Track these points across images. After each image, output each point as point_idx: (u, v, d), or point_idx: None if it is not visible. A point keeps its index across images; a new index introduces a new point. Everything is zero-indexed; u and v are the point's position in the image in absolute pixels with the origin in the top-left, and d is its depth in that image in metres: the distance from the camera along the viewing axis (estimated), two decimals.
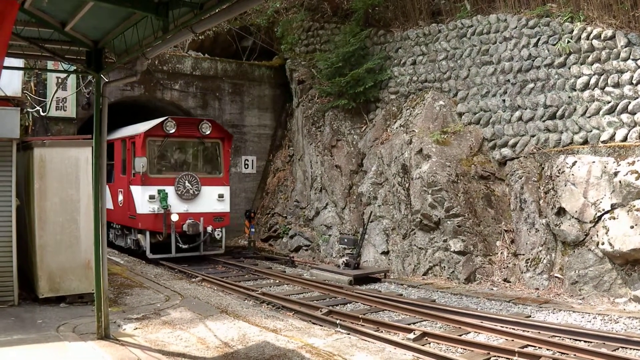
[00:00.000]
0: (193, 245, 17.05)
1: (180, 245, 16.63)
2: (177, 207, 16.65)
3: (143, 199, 16.34)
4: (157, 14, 6.16)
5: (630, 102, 12.53)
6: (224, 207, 17.62)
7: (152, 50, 7.53)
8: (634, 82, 12.52)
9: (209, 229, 16.90)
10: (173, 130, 16.72)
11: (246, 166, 21.81)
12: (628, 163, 11.74)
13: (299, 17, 21.38)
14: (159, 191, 16.47)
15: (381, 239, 16.50)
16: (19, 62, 11.40)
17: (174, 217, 16.35)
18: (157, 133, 16.68)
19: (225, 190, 17.75)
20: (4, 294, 9.66)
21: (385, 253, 16.38)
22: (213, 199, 17.39)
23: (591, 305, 11.65)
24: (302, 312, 10.90)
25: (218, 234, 17.24)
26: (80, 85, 18.36)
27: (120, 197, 17.83)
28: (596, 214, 12.08)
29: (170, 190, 16.62)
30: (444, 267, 14.51)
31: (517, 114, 14.81)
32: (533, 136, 14.39)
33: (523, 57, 14.78)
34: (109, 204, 17.78)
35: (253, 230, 19.71)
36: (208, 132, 17.36)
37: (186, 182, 16.90)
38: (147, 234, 16.59)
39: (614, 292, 11.74)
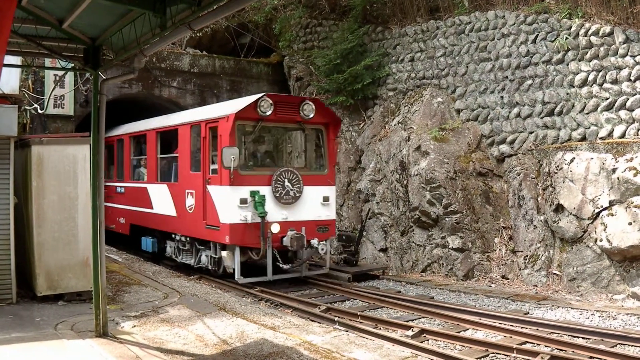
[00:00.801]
0: (296, 265, 13.63)
1: (281, 266, 12.90)
2: (275, 214, 12.86)
3: (231, 203, 12.36)
4: (154, 11, 6.15)
5: (628, 99, 12.54)
6: (330, 213, 13.87)
7: (150, 47, 7.52)
8: (632, 78, 12.52)
9: (314, 242, 13.06)
10: (269, 113, 12.75)
11: None
12: (626, 159, 11.75)
13: (297, 14, 21.35)
14: (252, 193, 12.49)
15: (379, 236, 16.51)
16: (17, 60, 11.37)
17: (275, 228, 12.58)
18: (249, 115, 12.73)
19: (331, 192, 14.02)
20: (2, 292, 9.65)
21: (384, 250, 16.39)
22: (317, 203, 13.57)
23: (589, 301, 11.66)
24: (301, 310, 10.89)
25: (322, 249, 13.30)
26: (78, 82, 18.29)
27: (190, 201, 13.80)
28: (594, 210, 12.08)
29: (266, 191, 12.70)
30: (442, 264, 14.52)
31: (515, 110, 14.81)
32: (531, 133, 14.39)
33: (521, 54, 14.78)
34: (169, 210, 14.80)
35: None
36: (311, 116, 13.50)
37: (286, 180, 13.05)
38: (237, 250, 12.49)
39: (612, 288, 11.76)
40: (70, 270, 9.95)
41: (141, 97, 20.66)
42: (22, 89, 16.32)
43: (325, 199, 13.68)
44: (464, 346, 8.87)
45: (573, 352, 8.40)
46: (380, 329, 9.70)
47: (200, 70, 21.09)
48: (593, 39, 13.29)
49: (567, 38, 13.75)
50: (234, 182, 12.34)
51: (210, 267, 13.50)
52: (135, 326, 8.65)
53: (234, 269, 12.61)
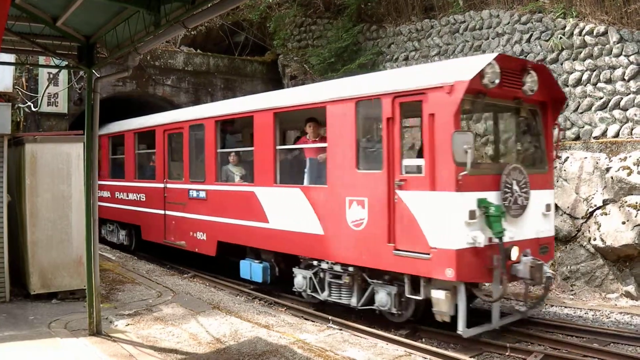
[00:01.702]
0: (536, 303, 10.26)
1: (517, 307, 10.18)
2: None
3: (455, 218, 8.11)
4: (148, 8, 6.16)
5: (622, 98, 12.57)
6: (550, 227, 9.78)
7: (144, 45, 7.51)
8: (626, 78, 12.56)
9: (545, 268, 8.89)
10: (496, 83, 8.48)
11: None
12: (620, 159, 11.78)
13: (292, 13, 21.35)
14: (480, 202, 8.31)
15: None
16: (10, 58, 11.33)
17: (514, 254, 8.53)
18: (474, 87, 8.24)
19: (552, 198, 10.08)
20: None
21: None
22: (539, 214, 9.49)
23: (583, 300, 11.70)
24: (294, 308, 10.89)
25: (550, 278, 9.33)
26: (72, 80, 18.24)
27: (356, 213, 9.33)
28: (588, 209, 12.12)
29: (492, 199, 8.47)
30: None
31: None
32: None
33: (516, 53, 14.79)
34: (305, 224, 10.36)
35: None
36: (534, 90, 9.29)
37: (514, 183, 8.88)
38: (462, 289, 8.30)
39: (606, 287, 11.79)
40: (64, 268, 9.94)
41: (135, 95, 20.62)
42: (16, 86, 16.28)
43: (548, 207, 9.67)
44: (457, 344, 8.88)
45: (566, 350, 8.42)
46: (374, 327, 9.70)
47: (194, 69, 21.06)
48: (587, 38, 13.32)
49: (561, 37, 13.78)
50: (462, 187, 8.07)
51: (394, 311, 9.17)
52: (129, 324, 8.64)
53: (451, 316, 8.48)
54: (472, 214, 8.19)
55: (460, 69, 8.41)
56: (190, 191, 13.44)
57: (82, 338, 7.81)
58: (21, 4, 6.83)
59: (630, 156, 11.64)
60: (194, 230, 13.28)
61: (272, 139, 11.10)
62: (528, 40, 14.58)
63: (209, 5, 5.75)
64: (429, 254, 8.26)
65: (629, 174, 11.44)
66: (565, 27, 13.80)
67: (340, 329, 9.19)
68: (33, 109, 17.37)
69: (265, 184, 11.22)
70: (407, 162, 8.75)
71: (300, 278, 10.74)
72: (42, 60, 15.83)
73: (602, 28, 13.13)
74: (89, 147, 8.20)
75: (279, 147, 11.17)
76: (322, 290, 10.36)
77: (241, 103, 12.84)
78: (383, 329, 9.33)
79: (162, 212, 14.55)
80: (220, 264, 13.79)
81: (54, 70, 17.06)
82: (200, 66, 21.21)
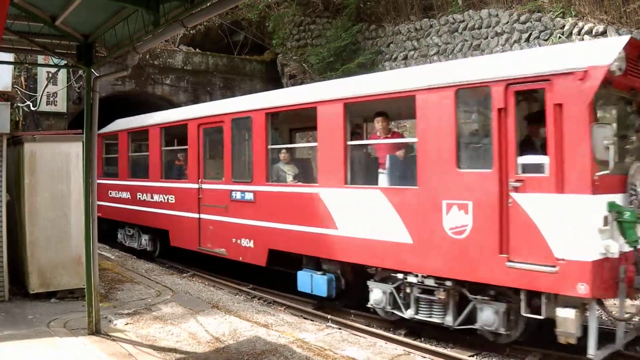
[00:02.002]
0: None
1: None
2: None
3: (586, 224, 7.01)
4: (147, 7, 6.15)
5: None
6: None
7: (143, 44, 7.51)
8: None
9: None
10: (620, 72, 7.23)
11: None
12: None
13: (291, 12, 21.39)
14: (611, 206, 7.26)
15: None
16: (9, 57, 11.32)
17: None
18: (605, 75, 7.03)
19: None
20: None
21: None
22: None
23: None
24: (293, 307, 10.90)
25: None
26: (71, 79, 18.27)
27: (458, 219, 8.05)
28: None
29: (619, 202, 7.42)
30: None
31: None
32: None
33: None
34: (385, 231, 8.92)
35: None
36: None
37: (638, 183, 7.80)
38: (594, 308, 7.19)
39: None
40: (63, 267, 9.93)
41: (134, 95, 20.64)
42: (15, 86, 16.30)
43: None
44: (456, 344, 8.88)
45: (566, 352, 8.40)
46: (373, 326, 9.70)
47: (193, 68, 21.09)
48: (586, 38, 13.34)
49: (560, 37, 13.80)
50: (598, 189, 7.02)
51: (501, 331, 7.94)
52: (128, 324, 8.64)
53: (578, 338, 7.26)
54: (605, 220, 7.11)
55: (595, 52, 7.24)
56: (234, 192, 11.78)
57: (81, 337, 7.80)
58: (20, 3, 6.83)
59: None
60: (238, 237, 11.63)
61: (342, 134, 9.58)
62: (527, 40, 14.60)
63: (208, 5, 5.76)
64: (555, 267, 7.07)
65: None
66: (564, 26, 13.82)
67: (340, 328, 9.19)
68: (32, 108, 17.40)
69: (333, 184, 9.73)
70: (524, 159, 7.44)
71: (379, 293, 9.15)
72: (41, 59, 15.84)
73: (601, 27, 13.15)
74: (88, 146, 8.20)
75: (350, 142, 9.66)
76: (407, 306, 8.85)
77: (301, 93, 11.35)
78: (382, 328, 9.33)
79: (195, 215, 12.85)
80: (256, 273, 12.33)
81: (53, 70, 17.06)
82: (199, 65, 21.23)
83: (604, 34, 13.06)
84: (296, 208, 10.37)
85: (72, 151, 10.08)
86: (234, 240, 11.72)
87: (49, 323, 8.47)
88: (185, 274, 13.56)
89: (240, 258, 11.65)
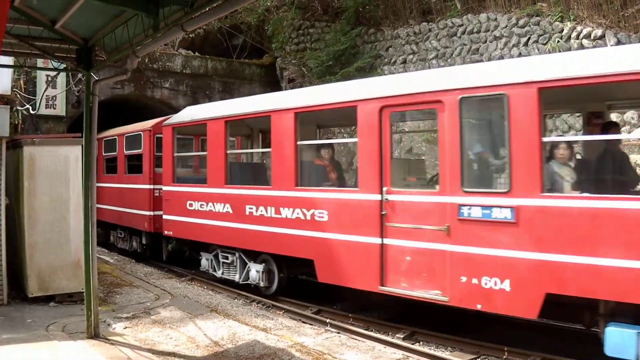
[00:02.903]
0: None
1: None
2: None
3: None
4: (147, 12, 6.17)
5: None
6: None
7: (143, 48, 7.52)
8: None
9: None
10: None
11: None
12: None
13: (290, 16, 21.43)
14: None
15: None
16: (9, 60, 11.34)
17: None
18: None
19: None
20: None
21: None
22: None
23: None
24: (292, 311, 10.89)
25: None
26: (70, 83, 18.27)
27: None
28: None
29: None
30: None
31: None
32: None
33: (513, 56, 14.83)
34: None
35: None
36: None
37: None
38: None
39: None
40: (62, 271, 9.93)
41: (133, 98, 20.65)
42: (14, 89, 16.32)
43: None
44: (455, 347, 8.88)
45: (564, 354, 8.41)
46: (372, 330, 9.70)
47: (192, 72, 21.09)
48: (585, 42, 13.37)
49: (558, 41, 13.83)
50: None
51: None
52: (126, 327, 8.64)
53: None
54: None
55: None
56: (463, 208, 7.86)
57: (80, 341, 7.79)
58: (20, 7, 6.85)
59: None
60: (473, 275, 7.80)
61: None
62: (526, 44, 14.63)
63: (208, 9, 5.77)
64: None
65: None
66: (562, 30, 13.85)
67: (338, 332, 9.18)
68: (31, 111, 17.39)
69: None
70: None
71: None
72: (40, 63, 15.85)
73: (599, 32, 13.18)
74: (87, 149, 8.20)
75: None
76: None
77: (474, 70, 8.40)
78: (380, 332, 9.33)
79: (374, 240, 8.92)
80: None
81: (53, 73, 17.05)
82: (198, 69, 21.23)
83: (602, 38, 13.09)
84: (608, 234, 6.60)
85: (71, 155, 10.08)
86: (463, 279, 7.90)
87: (48, 327, 8.46)
88: (183, 278, 13.54)
89: (479, 306, 7.84)
